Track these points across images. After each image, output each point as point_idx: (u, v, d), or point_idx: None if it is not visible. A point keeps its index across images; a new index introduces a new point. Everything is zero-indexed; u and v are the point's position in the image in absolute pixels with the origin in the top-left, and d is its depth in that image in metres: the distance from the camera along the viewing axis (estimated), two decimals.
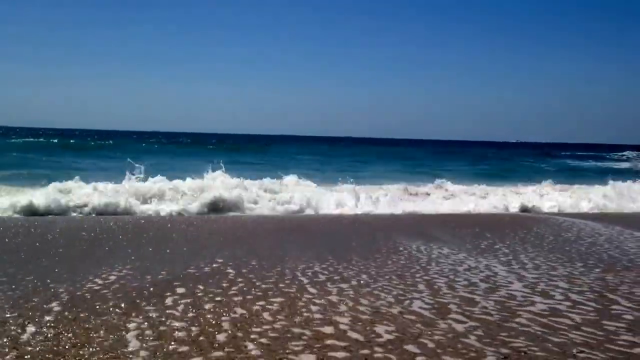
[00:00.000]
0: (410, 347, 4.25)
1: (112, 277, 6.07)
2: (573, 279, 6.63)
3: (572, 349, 4.24)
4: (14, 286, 5.69)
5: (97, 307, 5.08)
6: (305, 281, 6.21)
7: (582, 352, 4.18)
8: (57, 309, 4.96)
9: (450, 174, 24.53)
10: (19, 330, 4.40)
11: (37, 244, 8.04)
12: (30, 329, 4.44)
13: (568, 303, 5.56)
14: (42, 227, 9.71)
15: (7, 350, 4.03)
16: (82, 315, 4.85)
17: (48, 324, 4.56)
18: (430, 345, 4.31)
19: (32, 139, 53.26)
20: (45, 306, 5.04)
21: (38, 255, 7.19)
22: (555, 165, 47.54)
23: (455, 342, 4.38)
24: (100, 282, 5.87)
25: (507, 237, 10.11)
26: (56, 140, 52.03)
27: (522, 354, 4.11)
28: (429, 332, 4.61)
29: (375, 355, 4.09)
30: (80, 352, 3.98)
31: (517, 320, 5.00)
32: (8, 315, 4.75)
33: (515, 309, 5.34)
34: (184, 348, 4.13)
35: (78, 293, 5.48)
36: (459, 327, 4.76)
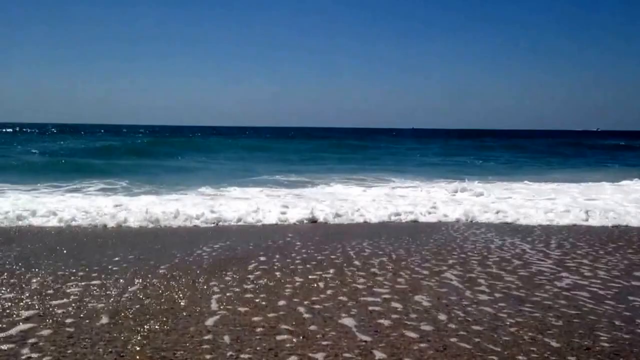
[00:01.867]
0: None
1: (216, 247, 6.98)
2: None
3: None
4: (145, 252, 6.72)
5: (193, 270, 5.81)
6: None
7: None
8: (162, 271, 5.74)
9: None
10: (129, 281, 5.24)
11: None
12: (137, 283, 5.20)
13: None
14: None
15: (120, 291, 4.81)
16: (177, 275, 5.58)
17: (151, 280, 5.33)
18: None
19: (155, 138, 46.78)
20: (155, 268, 5.87)
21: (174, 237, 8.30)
22: None
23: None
24: (207, 250, 6.77)
25: None
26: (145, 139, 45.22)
27: (605, 345, 3.89)
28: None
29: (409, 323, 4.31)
30: (165, 305, 4.57)
31: None
32: (131, 273, 5.61)
33: None
34: (245, 308, 4.54)
35: (185, 258, 6.34)
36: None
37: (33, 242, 7.21)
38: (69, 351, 3.50)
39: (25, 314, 4.25)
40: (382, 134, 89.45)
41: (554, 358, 3.58)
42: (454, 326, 4.17)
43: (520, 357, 3.57)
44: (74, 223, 8.64)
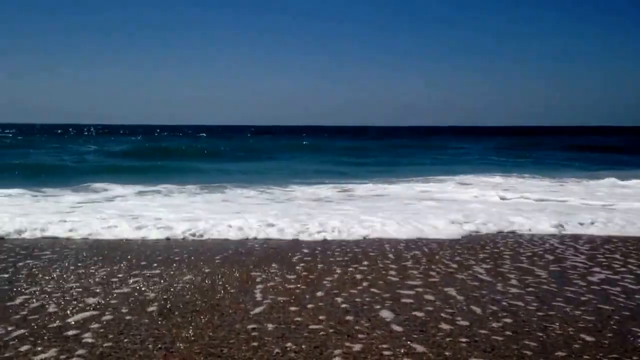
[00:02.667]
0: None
1: (268, 240, 7.06)
2: None
3: None
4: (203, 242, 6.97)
5: (242, 259, 5.92)
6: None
7: None
8: (217, 260, 5.85)
9: None
10: (184, 270, 5.21)
11: None
12: (191, 271, 5.19)
13: None
14: None
15: (177, 278, 4.80)
16: (228, 265, 5.66)
17: (202, 268, 5.40)
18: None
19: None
20: (211, 257, 6.01)
21: None
22: None
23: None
24: (257, 245, 6.79)
25: None
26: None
27: None
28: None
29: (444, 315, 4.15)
30: (216, 290, 4.55)
31: None
32: (187, 262, 5.70)
33: None
34: (284, 298, 4.51)
35: (239, 249, 6.45)
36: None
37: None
38: (120, 345, 3.45)
39: (90, 300, 4.36)
40: (425, 133, 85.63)
41: None
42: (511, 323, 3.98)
43: None
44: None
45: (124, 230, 7.36)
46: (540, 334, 3.78)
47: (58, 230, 7.29)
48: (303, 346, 3.48)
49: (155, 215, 8.49)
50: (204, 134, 68.60)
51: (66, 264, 5.70)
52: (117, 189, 12.63)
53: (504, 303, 4.47)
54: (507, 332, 3.79)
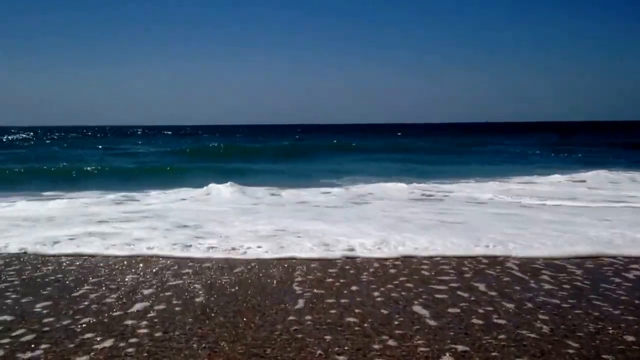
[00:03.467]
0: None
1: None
2: None
3: None
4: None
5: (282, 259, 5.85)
6: None
7: None
8: (256, 261, 5.86)
9: None
10: (226, 271, 5.29)
11: None
12: (222, 275, 5.29)
13: None
14: None
15: (222, 280, 4.79)
16: (263, 270, 5.60)
17: (239, 272, 5.39)
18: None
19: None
20: (244, 261, 5.91)
21: None
22: None
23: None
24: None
25: None
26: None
27: None
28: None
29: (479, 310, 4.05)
30: (255, 293, 4.56)
31: None
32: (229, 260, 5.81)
33: None
34: (322, 291, 4.56)
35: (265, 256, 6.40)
36: None
37: None
38: (165, 346, 3.41)
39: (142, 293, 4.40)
40: (471, 129, 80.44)
41: None
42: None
43: None
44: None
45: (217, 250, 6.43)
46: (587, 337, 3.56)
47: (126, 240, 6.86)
48: (345, 347, 3.36)
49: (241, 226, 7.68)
50: (238, 135, 68.18)
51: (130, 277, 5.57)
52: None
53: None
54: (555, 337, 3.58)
